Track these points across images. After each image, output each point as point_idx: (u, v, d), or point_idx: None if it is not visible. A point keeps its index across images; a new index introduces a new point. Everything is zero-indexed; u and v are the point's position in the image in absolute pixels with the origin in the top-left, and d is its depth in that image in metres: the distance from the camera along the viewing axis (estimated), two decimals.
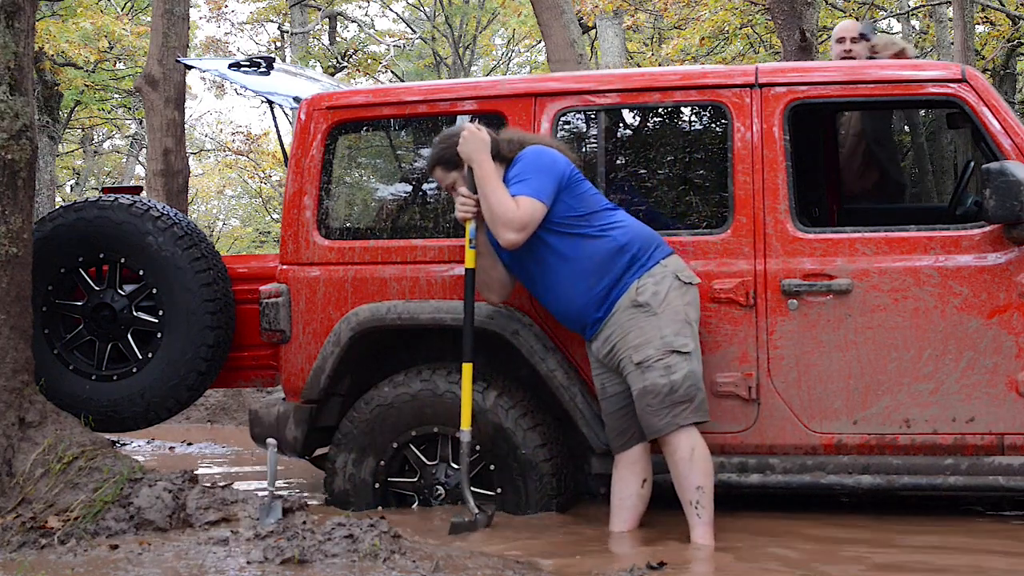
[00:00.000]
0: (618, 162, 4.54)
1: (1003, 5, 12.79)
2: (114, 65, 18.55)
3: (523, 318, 4.30)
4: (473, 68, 24.39)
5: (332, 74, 18.66)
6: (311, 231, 4.58)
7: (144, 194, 5.39)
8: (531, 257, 4.04)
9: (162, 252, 4.68)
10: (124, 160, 25.94)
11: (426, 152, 4.84)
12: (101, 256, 4.78)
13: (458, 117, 4.64)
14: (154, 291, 4.72)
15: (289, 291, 4.55)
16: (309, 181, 4.60)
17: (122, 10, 18.80)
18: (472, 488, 4.37)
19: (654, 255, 3.99)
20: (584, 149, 4.47)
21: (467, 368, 4.10)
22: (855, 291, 4.09)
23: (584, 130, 4.53)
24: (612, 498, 4.11)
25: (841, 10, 14.01)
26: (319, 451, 4.74)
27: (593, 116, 4.48)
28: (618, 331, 3.94)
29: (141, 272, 4.73)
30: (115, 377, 4.76)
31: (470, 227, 4.09)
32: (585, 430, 4.25)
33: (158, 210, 4.76)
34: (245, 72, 5.38)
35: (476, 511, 4.05)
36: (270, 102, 5.59)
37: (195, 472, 4.01)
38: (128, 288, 4.79)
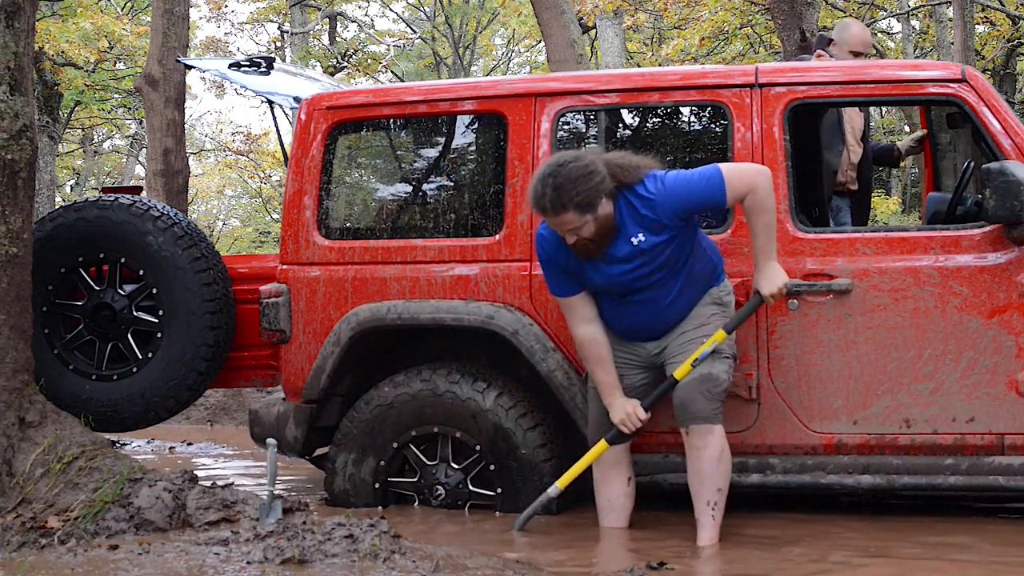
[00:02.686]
0: None
1: (1003, 5, 12.79)
2: (114, 65, 18.55)
3: (523, 318, 4.30)
4: (473, 68, 24.40)
5: (332, 74, 18.65)
6: (311, 231, 4.58)
7: (144, 194, 5.39)
8: (675, 268, 3.94)
9: (162, 252, 4.68)
10: (124, 160, 25.95)
11: (426, 152, 4.84)
12: (101, 256, 4.78)
13: (457, 118, 4.65)
14: (154, 291, 4.72)
15: (289, 291, 4.55)
16: (309, 181, 4.60)
17: (122, 10, 18.80)
18: (472, 488, 4.39)
19: (723, 270, 4.08)
20: (584, 149, 4.47)
21: (602, 446, 4.04)
22: (855, 291, 4.09)
23: (584, 130, 4.53)
24: (599, 500, 4.13)
25: (841, 10, 14.00)
26: (319, 451, 4.74)
27: (593, 116, 4.48)
28: (694, 320, 3.96)
29: (141, 272, 4.74)
30: (115, 377, 4.76)
31: (705, 349, 3.92)
32: (585, 430, 4.25)
33: (158, 210, 4.77)
34: (245, 72, 5.38)
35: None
36: (270, 102, 5.59)
37: (195, 472, 4.01)
38: (128, 288, 4.79)
